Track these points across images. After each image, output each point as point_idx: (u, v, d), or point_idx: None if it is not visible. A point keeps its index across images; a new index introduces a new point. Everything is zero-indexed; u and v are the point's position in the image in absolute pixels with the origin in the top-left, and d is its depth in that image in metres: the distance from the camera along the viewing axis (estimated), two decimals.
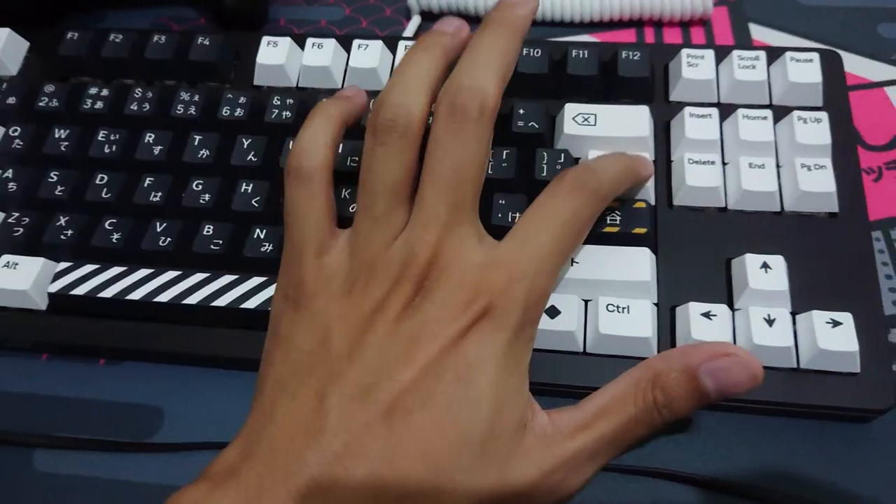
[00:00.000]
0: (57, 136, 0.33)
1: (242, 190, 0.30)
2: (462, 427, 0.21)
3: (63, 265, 0.30)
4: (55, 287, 0.29)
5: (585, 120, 0.30)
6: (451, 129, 0.23)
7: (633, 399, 0.23)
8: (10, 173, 0.32)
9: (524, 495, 0.21)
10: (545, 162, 0.30)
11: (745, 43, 0.38)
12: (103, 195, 0.31)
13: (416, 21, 0.40)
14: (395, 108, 0.23)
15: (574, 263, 0.28)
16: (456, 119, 0.23)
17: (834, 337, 0.26)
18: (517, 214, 0.29)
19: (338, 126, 0.26)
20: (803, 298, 0.27)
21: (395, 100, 0.24)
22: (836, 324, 0.26)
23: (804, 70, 0.31)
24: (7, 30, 0.36)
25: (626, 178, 0.27)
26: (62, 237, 0.30)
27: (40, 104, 0.34)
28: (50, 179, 0.32)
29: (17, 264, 0.30)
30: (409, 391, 0.21)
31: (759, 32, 0.39)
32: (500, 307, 0.21)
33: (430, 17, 0.41)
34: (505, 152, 0.30)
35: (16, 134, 0.33)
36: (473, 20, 0.40)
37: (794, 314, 0.27)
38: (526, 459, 0.22)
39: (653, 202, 0.29)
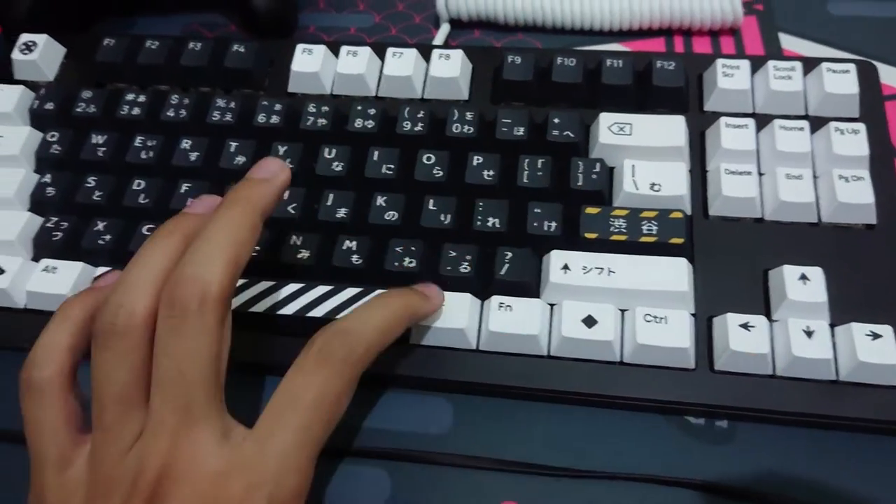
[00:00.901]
0: (94, 141, 0.33)
1: None
2: None
3: (101, 270, 0.30)
4: None
5: (621, 129, 0.30)
6: (169, 324, 0.21)
7: None
8: (48, 178, 0.32)
9: None
10: (580, 171, 0.30)
11: (775, 52, 0.38)
12: (140, 200, 0.31)
13: (445, 29, 0.40)
14: (115, 310, 0.22)
15: (611, 273, 0.28)
16: (175, 313, 0.21)
17: (874, 349, 0.26)
18: (553, 224, 0.29)
19: (79, 326, 0.24)
20: (842, 310, 0.27)
21: (115, 300, 0.22)
22: (875, 336, 0.26)
23: (841, 81, 0.31)
24: (45, 36, 0.36)
25: (394, 327, 0.25)
26: (100, 242, 0.31)
27: (78, 110, 0.34)
28: (88, 184, 0.32)
29: (55, 268, 0.30)
30: None
31: (788, 42, 0.38)
32: None
33: (458, 25, 0.41)
34: (540, 161, 0.30)
35: (54, 139, 0.33)
36: (503, 29, 0.41)
37: (832, 326, 0.27)
38: None
39: (689, 212, 0.29)
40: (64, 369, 0.23)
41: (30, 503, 0.23)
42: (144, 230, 0.31)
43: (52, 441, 0.23)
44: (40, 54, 0.36)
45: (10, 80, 0.36)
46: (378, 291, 0.28)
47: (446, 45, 0.40)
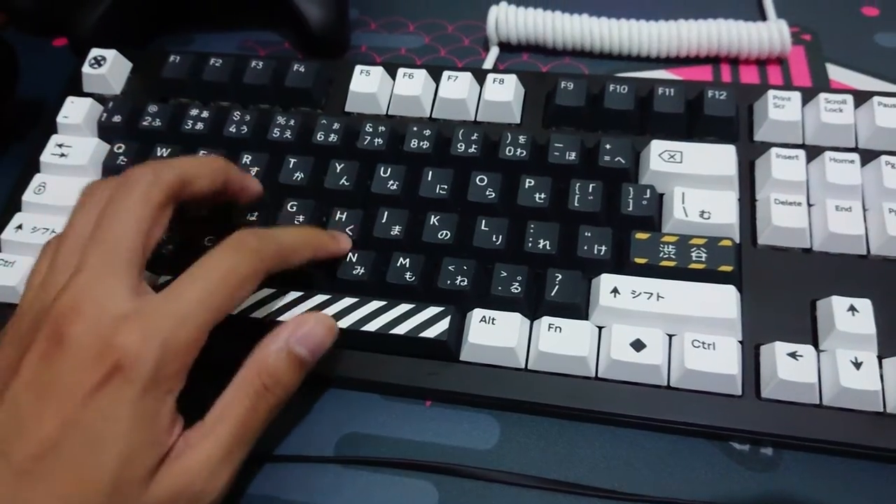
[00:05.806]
0: (160, 154, 0.34)
1: (337, 218, 0.31)
2: (91, 475, 0.22)
3: (164, 279, 0.31)
4: None
5: (672, 157, 0.31)
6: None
7: (245, 394, 0.25)
8: None
9: None
10: (631, 197, 0.30)
11: (823, 83, 0.38)
12: (203, 214, 0.32)
13: (494, 52, 0.41)
14: None
15: (660, 298, 0.28)
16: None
17: None
18: (603, 248, 0.30)
19: None
20: (890, 343, 0.27)
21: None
22: None
23: (892, 115, 0.31)
24: (113, 51, 0.38)
25: (302, 246, 0.28)
26: (163, 252, 0.32)
27: (144, 123, 0.35)
28: None
29: None
30: (42, 444, 0.22)
31: (836, 73, 0.39)
32: (129, 362, 0.22)
33: (508, 49, 0.42)
34: (591, 186, 0.31)
35: (120, 151, 0.35)
36: (551, 53, 0.41)
37: (880, 358, 0.27)
38: (158, 488, 0.23)
39: (738, 240, 0.30)
40: None
41: None
42: (206, 242, 0.32)
43: None
44: (109, 69, 0.37)
45: (79, 92, 0.38)
46: None
47: (495, 69, 0.41)
